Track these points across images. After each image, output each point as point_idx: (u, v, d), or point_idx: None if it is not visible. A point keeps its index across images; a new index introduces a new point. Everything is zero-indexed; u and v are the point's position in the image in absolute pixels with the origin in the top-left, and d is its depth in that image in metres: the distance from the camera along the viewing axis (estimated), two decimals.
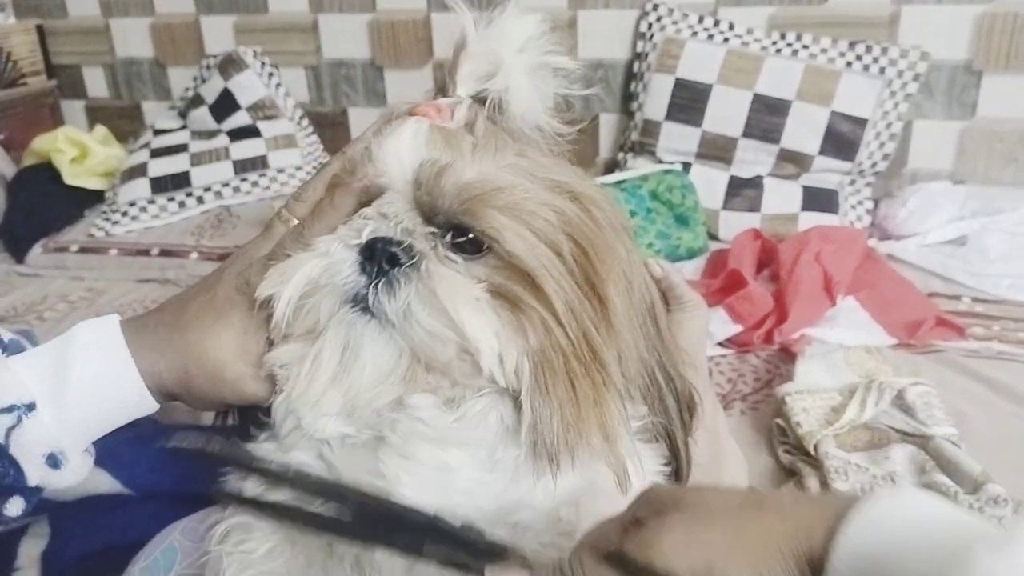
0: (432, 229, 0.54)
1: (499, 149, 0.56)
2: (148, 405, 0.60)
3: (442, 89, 0.65)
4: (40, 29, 2.41)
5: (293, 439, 0.57)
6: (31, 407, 0.58)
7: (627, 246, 0.57)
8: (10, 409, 0.58)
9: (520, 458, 0.54)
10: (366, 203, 0.57)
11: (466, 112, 0.59)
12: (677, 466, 0.63)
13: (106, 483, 0.78)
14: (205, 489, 0.66)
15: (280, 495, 0.49)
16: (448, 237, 0.54)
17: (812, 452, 0.95)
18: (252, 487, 0.53)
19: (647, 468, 0.59)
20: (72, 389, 0.58)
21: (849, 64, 1.72)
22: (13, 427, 0.58)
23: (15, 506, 0.59)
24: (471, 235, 0.53)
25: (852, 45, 1.73)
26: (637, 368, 0.57)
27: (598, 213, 0.56)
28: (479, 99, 0.62)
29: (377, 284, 0.52)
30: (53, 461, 0.58)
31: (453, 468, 0.53)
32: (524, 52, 0.61)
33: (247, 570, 0.54)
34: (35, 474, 0.58)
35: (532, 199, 0.53)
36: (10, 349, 0.62)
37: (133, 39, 2.35)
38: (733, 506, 0.41)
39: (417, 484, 0.52)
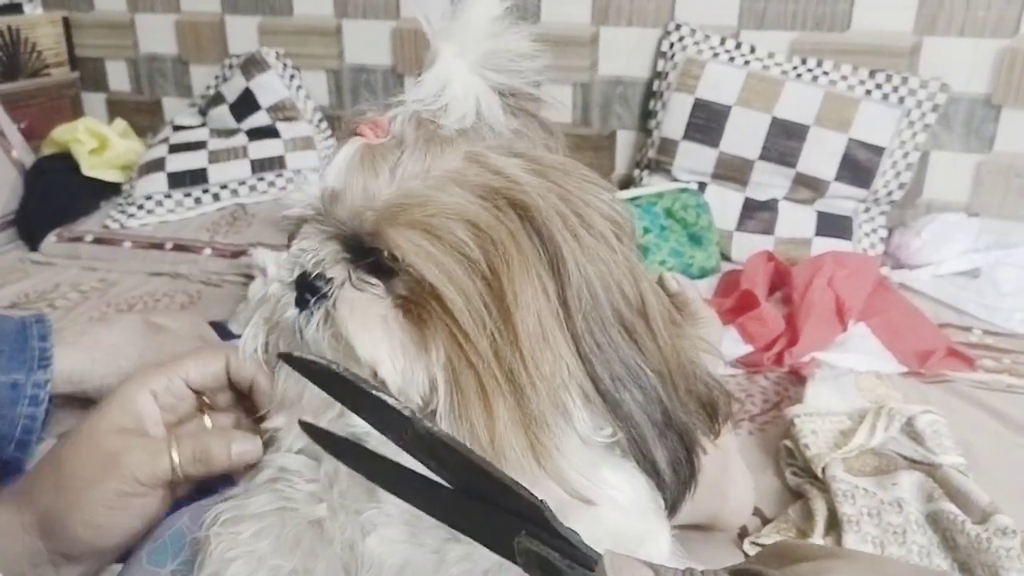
0: (346, 255, 0.54)
1: (431, 157, 0.54)
2: None
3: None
4: (66, 21, 2.44)
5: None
6: None
7: (584, 246, 0.53)
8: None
9: None
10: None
11: (401, 123, 0.57)
12: (659, 481, 0.58)
13: None
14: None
15: (379, 442, 0.46)
16: (368, 259, 0.54)
17: (820, 475, 0.95)
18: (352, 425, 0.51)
19: (625, 484, 0.55)
20: None
21: (869, 92, 1.73)
22: None
23: None
24: (387, 255, 0.53)
25: (872, 73, 1.74)
26: (583, 382, 0.53)
27: (526, 225, 0.52)
28: (407, 103, 0.59)
29: (302, 314, 0.54)
30: None
31: None
32: (471, 43, 0.57)
33: (234, 550, 0.53)
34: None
35: (443, 212, 0.51)
36: None
37: (157, 35, 2.37)
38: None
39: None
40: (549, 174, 0.55)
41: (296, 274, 0.55)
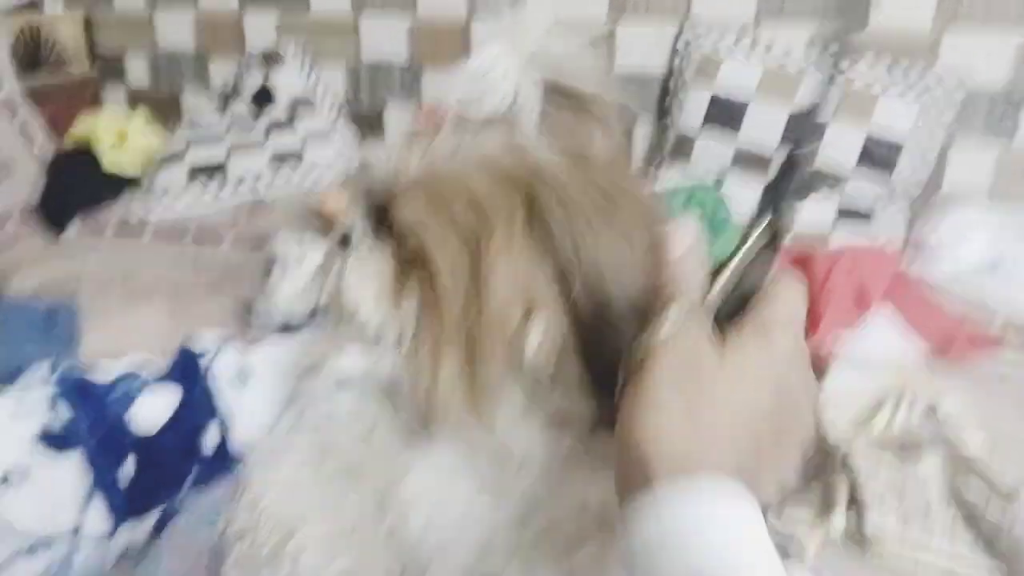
0: (373, 222, 0.59)
1: (466, 142, 0.58)
2: None
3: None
4: (86, 19, 2.46)
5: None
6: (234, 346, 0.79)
7: (598, 235, 0.53)
8: (217, 346, 0.79)
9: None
10: None
11: (453, 115, 0.61)
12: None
13: None
14: None
15: None
16: (385, 225, 0.59)
17: (841, 462, 0.95)
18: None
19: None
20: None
21: (888, 86, 1.73)
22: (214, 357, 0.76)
23: (212, 437, 0.74)
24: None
25: (892, 67, 1.74)
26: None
27: (524, 205, 0.54)
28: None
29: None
30: (242, 377, 0.77)
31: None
32: (525, 42, 0.61)
33: (269, 491, 0.58)
34: (225, 393, 0.75)
35: (450, 188, 0.55)
36: None
37: (176, 31, 2.39)
38: None
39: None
40: (582, 164, 0.55)
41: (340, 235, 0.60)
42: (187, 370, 0.77)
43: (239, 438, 0.75)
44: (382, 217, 0.58)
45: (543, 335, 0.52)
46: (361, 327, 0.58)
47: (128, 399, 0.75)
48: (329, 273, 0.61)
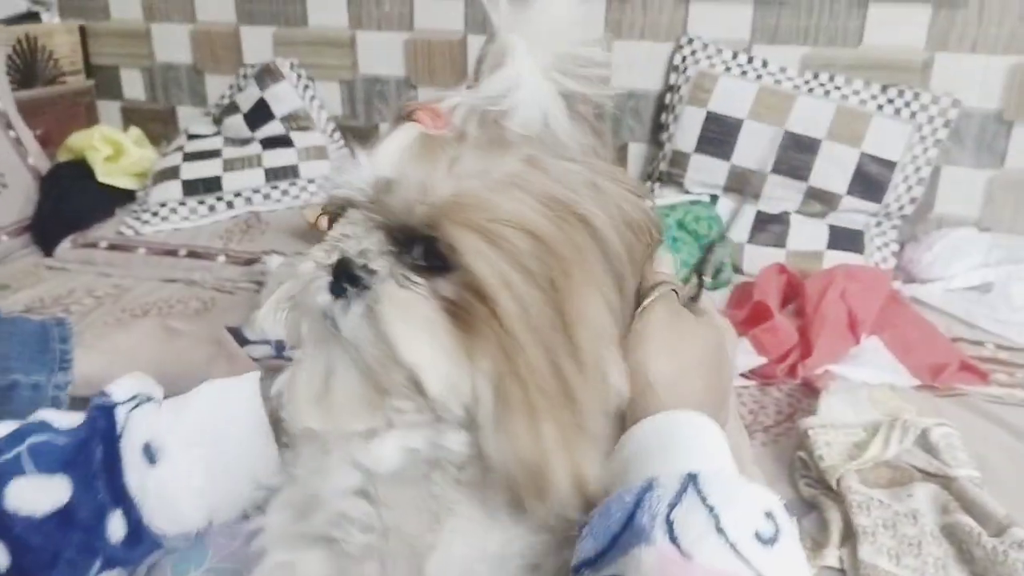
0: (392, 247, 0.52)
1: (492, 157, 0.52)
2: (265, 437, 0.62)
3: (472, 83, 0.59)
4: (83, 30, 2.46)
5: (329, 462, 0.55)
6: (150, 398, 0.64)
7: (628, 268, 0.53)
8: (133, 398, 0.64)
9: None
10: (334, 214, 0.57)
11: (464, 115, 0.55)
12: None
13: None
14: None
15: None
16: (414, 254, 0.52)
17: (834, 486, 0.95)
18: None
19: None
20: (193, 399, 0.63)
21: (881, 107, 1.74)
22: (131, 410, 0.62)
23: (116, 525, 0.59)
24: (441, 251, 0.51)
25: (884, 88, 1.75)
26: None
27: (588, 238, 0.51)
28: (475, 98, 0.56)
29: (336, 304, 0.52)
30: (149, 453, 0.60)
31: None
32: (545, 43, 0.54)
33: None
34: (133, 473, 0.59)
35: (505, 218, 0.49)
36: None
37: (173, 44, 2.39)
38: None
39: (476, 513, 0.52)
40: (599, 182, 0.54)
41: (335, 258, 0.52)
42: (91, 440, 0.61)
43: (154, 525, 0.60)
44: (408, 244, 0.52)
45: (620, 370, 0.52)
46: (418, 393, 0.50)
47: (7, 473, 0.59)
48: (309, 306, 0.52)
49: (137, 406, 0.62)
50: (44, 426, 0.62)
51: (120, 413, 0.61)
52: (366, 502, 0.53)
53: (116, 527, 0.58)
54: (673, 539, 0.42)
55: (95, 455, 0.59)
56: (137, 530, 0.59)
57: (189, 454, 0.60)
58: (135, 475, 0.59)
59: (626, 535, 0.44)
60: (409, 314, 0.50)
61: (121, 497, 0.59)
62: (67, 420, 0.63)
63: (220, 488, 0.61)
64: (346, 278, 0.52)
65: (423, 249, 0.51)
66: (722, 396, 0.57)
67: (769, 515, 0.44)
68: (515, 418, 0.49)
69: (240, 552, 0.65)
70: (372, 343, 0.50)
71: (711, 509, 0.43)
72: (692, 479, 0.44)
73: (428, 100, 0.57)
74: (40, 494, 0.58)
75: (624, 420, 0.52)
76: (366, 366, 0.51)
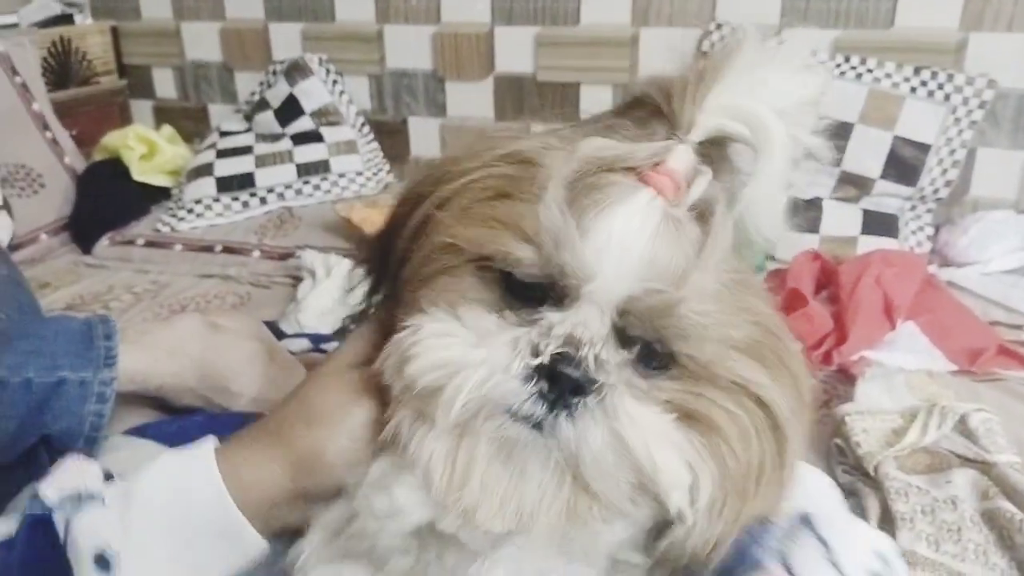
0: (625, 354, 0.47)
1: (721, 252, 0.46)
2: (233, 520, 0.54)
3: (670, 124, 0.50)
4: (114, 30, 2.49)
5: (412, 515, 0.51)
6: (92, 496, 0.55)
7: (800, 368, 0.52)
8: (75, 496, 0.55)
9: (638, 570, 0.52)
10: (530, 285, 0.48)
11: (704, 188, 0.47)
12: None
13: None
14: None
15: None
16: (636, 351, 0.48)
17: (872, 473, 0.95)
18: None
19: None
20: (140, 485, 0.55)
21: (914, 89, 1.71)
22: (72, 517, 0.54)
23: None
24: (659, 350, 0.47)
25: (917, 71, 1.72)
26: None
27: (779, 340, 0.50)
28: (722, 174, 0.49)
29: (557, 415, 0.46)
30: (103, 564, 0.52)
31: (566, 534, 0.49)
32: (789, 122, 0.48)
33: None
34: None
35: (734, 324, 0.47)
36: None
37: (203, 43, 2.41)
38: None
39: (523, 547, 0.50)
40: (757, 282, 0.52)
41: (549, 359, 0.45)
42: (35, 552, 0.53)
43: None
44: (628, 340, 0.47)
45: None
46: (643, 500, 0.48)
47: None
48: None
49: (78, 507, 0.54)
50: None
51: (59, 521, 0.53)
52: (412, 535, 0.52)
53: None
54: (787, 566, 0.43)
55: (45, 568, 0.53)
56: None
57: (148, 557, 0.53)
58: None
59: (739, 568, 0.45)
60: (653, 431, 0.46)
61: None
62: (3, 526, 0.56)
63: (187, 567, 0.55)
64: (570, 388, 0.45)
65: (645, 347, 0.47)
66: None
67: (882, 557, 0.45)
68: (733, 503, 0.48)
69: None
70: (606, 459, 0.46)
71: (825, 543, 0.44)
72: (806, 519, 0.45)
73: (649, 153, 0.47)
74: None
75: None
76: (580, 478, 0.47)
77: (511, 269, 0.47)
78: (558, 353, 0.45)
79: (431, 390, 0.47)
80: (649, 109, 0.52)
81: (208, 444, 0.57)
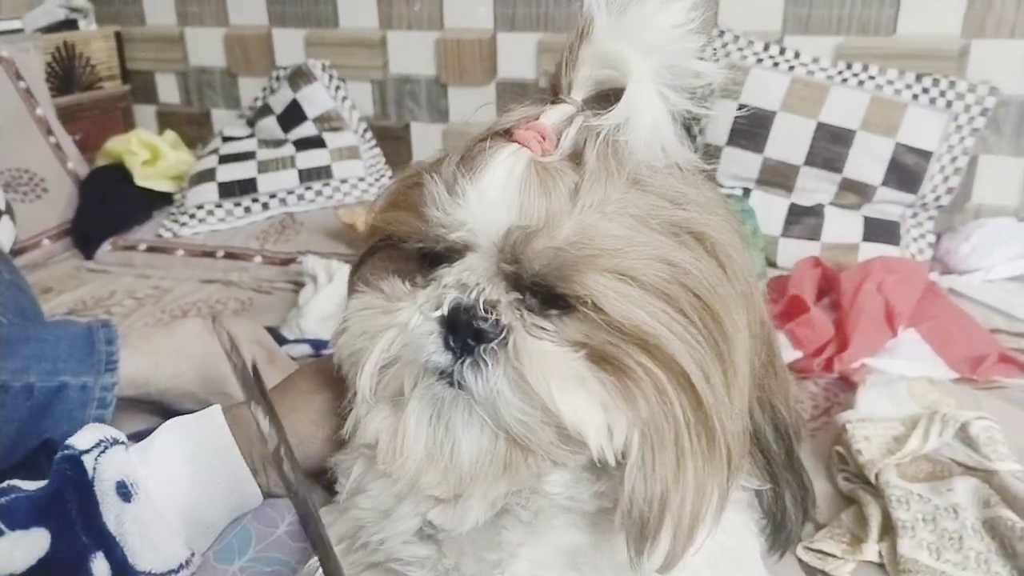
0: (517, 295, 0.49)
1: (608, 184, 0.48)
2: (236, 465, 0.64)
3: (555, 90, 0.55)
4: (118, 36, 2.50)
5: (398, 510, 0.54)
6: (116, 441, 0.64)
7: (751, 283, 0.51)
8: (99, 444, 0.63)
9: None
10: (434, 252, 0.52)
11: (575, 136, 0.50)
12: (779, 519, 0.59)
13: None
14: None
15: None
16: (536, 299, 0.49)
17: (873, 481, 0.95)
18: None
19: (736, 531, 0.56)
20: (158, 436, 0.64)
21: (916, 96, 1.71)
22: (98, 456, 0.61)
23: (100, 569, 0.58)
24: (561, 294, 0.48)
25: (919, 77, 1.73)
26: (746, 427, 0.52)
27: (721, 256, 0.49)
28: (590, 115, 0.51)
29: (463, 362, 0.48)
30: (124, 491, 0.59)
31: (578, 528, 0.51)
32: (657, 53, 0.50)
33: None
34: (110, 510, 0.59)
35: (637, 254, 0.46)
36: None
37: (206, 48, 2.42)
38: None
39: (537, 544, 0.50)
40: (698, 195, 0.51)
41: (448, 308, 0.48)
42: (63, 490, 0.60)
43: (138, 564, 0.59)
44: (527, 286, 0.48)
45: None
46: (569, 449, 0.48)
47: None
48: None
49: (104, 451, 0.62)
50: (12, 488, 0.63)
51: (87, 461, 0.61)
52: (429, 545, 0.53)
53: (100, 570, 0.58)
54: None
55: (70, 503, 0.60)
56: (122, 571, 0.59)
57: (163, 490, 0.61)
58: (112, 515, 0.59)
59: None
60: (557, 369, 0.47)
61: (101, 539, 0.58)
62: (33, 484, 0.64)
63: (198, 521, 0.63)
64: (472, 334, 0.47)
65: (544, 292, 0.48)
66: None
67: None
68: (664, 459, 0.47)
69: (283, 541, 0.66)
70: (515, 403, 0.47)
71: None
72: None
73: (522, 115, 0.52)
74: (16, 551, 0.57)
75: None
76: (504, 427, 0.48)
77: (412, 243, 0.52)
78: (456, 306, 0.48)
79: (356, 360, 0.51)
80: (551, 89, 0.55)
81: (216, 410, 0.66)
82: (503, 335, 0.48)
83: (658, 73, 0.50)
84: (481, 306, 0.48)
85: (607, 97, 0.51)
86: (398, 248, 0.54)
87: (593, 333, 0.48)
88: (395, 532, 0.53)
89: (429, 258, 0.52)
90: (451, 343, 0.48)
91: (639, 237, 0.47)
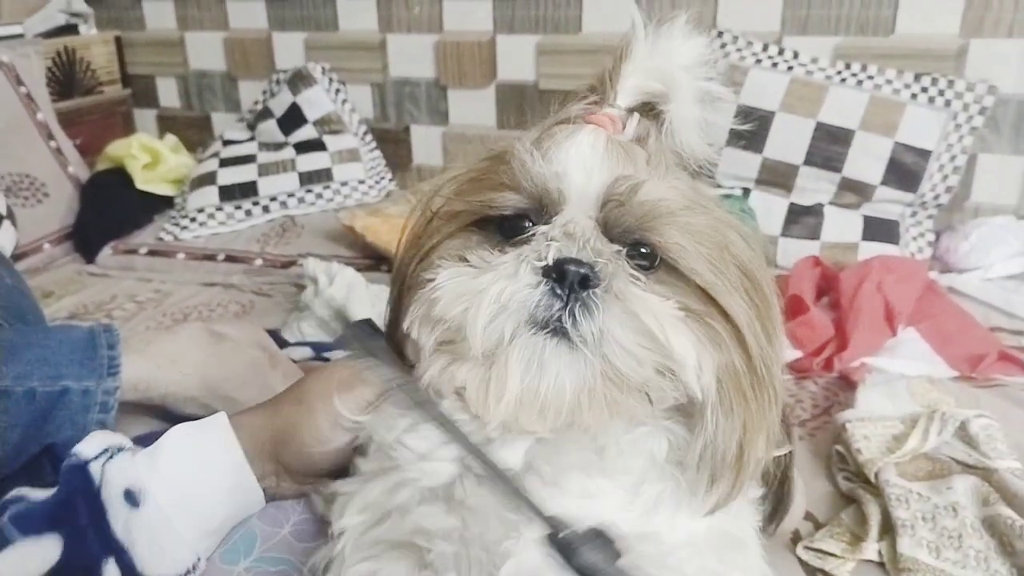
0: (616, 247, 0.54)
1: (668, 168, 0.57)
2: (242, 471, 0.65)
3: (600, 97, 0.62)
4: (118, 40, 2.51)
5: (416, 469, 0.57)
6: (122, 448, 0.65)
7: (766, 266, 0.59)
8: (105, 451, 0.64)
9: (663, 493, 0.55)
10: (521, 210, 0.56)
11: (636, 127, 0.58)
12: (780, 497, 0.64)
13: None
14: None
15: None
16: (629, 253, 0.54)
17: (872, 480, 0.95)
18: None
19: (736, 513, 0.59)
20: (165, 442, 0.64)
21: (914, 96, 1.72)
22: (104, 464, 0.63)
23: (112, 573, 0.60)
24: (645, 251, 0.54)
25: (918, 77, 1.73)
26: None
27: (751, 242, 0.57)
28: (648, 113, 0.60)
29: (572, 308, 0.51)
30: (131, 498, 0.61)
31: (595, 496, 0.54)
32: (690, 74, 0.59)
33: None
34: (118, 517, 0.60)
35: (703, 221, 0.54)
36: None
37: (206, 52, 2.43)
38: None
39: (559, 508, 0.53)
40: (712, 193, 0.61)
41: (553, 259, 0.52)
42: (72, 497, 0.62)
43: (146, 570, 0.60)
44: (621, 242, 0.54)
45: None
46: (670, 383, 0.53)
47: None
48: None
49: (110, 458, 0.63)
50: (21, 497, 0.64)
51: (94, 469, 0.62)
52: (448, 514, 0.55)
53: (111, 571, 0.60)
54: None
55: (80, 510, 0.61)
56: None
57: (169, 496, 0.62)
58: (120, 521, 0.60)
59: None
60: (661, 311, 0.52)
61: (112, 545, 0.60)
62: (42, 492, 0.64)
63: (204, 526, 0.64)
64: (578, 280, 0.51)
65: (633, 247, 0.54)
66: None
67: None
68: (738, 402, 0.54)
69: (288, 541, 0.67)
70: (625, 340, 0.51)
71: None
72: None
73: (586, 109, 0.60)
74: (28, 559, 0.59)
75: None
76: (609, 364, 0.52)
77: (502, 212, 0.56)
78: (561, 256, 0.52)
79: (458, 323, 0.53)
80: (594, 96, 0.63)
81: (222, 417, 0.67)
82: (607, 282, 0.52)
83: (692, 88, 0.59)
84: (590, 253, 0.52)
85: (647, 108, 0.61)
86: (476, 227, 0.58)
87: (671, 288, 0.54)
88: (431, 472, 0.56)
89: (510, 227, 0.56)
90: (558, 291, 0.51)
91: (696, 208, 0.55)
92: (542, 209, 0.55)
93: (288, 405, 0.68)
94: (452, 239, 0.58)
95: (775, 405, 0.55)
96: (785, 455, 0.61)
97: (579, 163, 0.54)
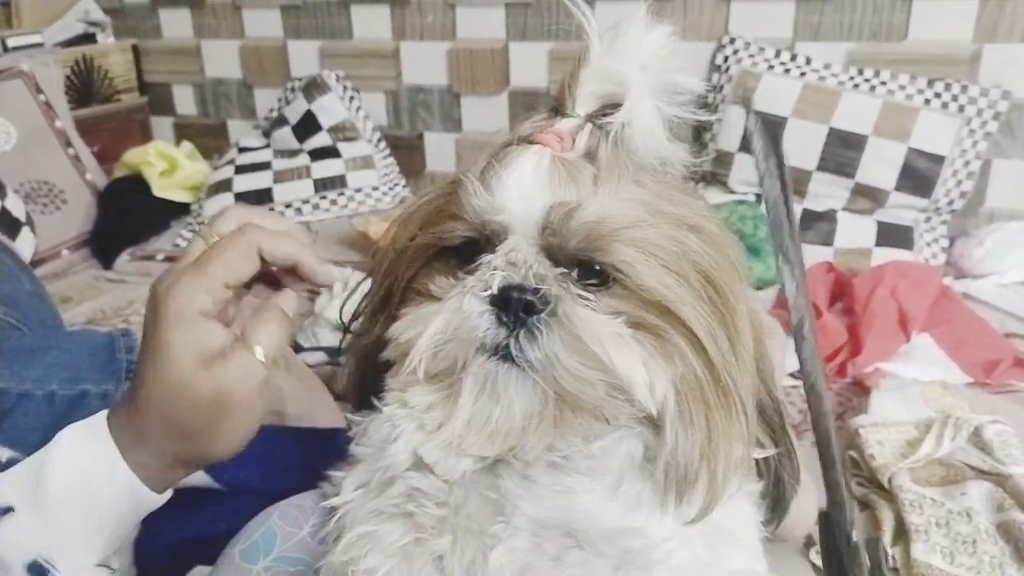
0: (561, 270, 0.53)
1: (620, 179, 0.54)
2: (145, 496, 0.60)
3: (558, 108, 0.60)
4: (135, 49, 2.54)
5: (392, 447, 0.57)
6: (7, 510, 0.57)
7: (742, 274, 0.57)
8: None
9: (643, 492, 0.54)
10: (474, 243, 0.56)
11: (587, 139, 0.56)
12: (777, 497, 0.63)
13: (196, 477, 0.82)
14: (289, 485, 0.70)
15: None
16: (574, 274, 0.54)
17: (886, 485, 0.95)
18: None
19: (730, 509, 0.57)
20: (50, 488, 0.57)
21: (928, 101, 1.72)
22: None
23: None
24: (597, 269, 0.53)
25: (931, 82, 1.73)
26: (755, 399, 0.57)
27: (718, 244, 0.55)
28: (599, 122, 0.58)
29: (518, 334, 0.52)
30: (38, 570, 0.56)
31: (574, 492, 0.54)
32: (649, 70, 0.56)
33: None
34: None
35: (655, 233, 0.53)
36: (5, 467, 0.61)
37: (222, 60, 2.45)
38: None
39: (535, 501, 0.53)
40: (683, 196, 0.57)
41: (498, 287, 0.52)
42: None
43: None
44: (567, 265, 0.54)
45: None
46: (623, 402, 0.52)
47: None
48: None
49: None
50: None
51: None
52: (437, 478, 0.56)
53: None
54: None
55: None
56: None
57: (75, 548, 0.58)
58: None
59: None
60: (605, 331, 0.52)
61: None
62: None
63: (107, 541, 0.60)
64: (522, 307, 0.52)
65: (581, 266, 0.54)
66: None
67: None
68: (697, 413, 0.53)
69: (306, 542, 0.67)
70: (571, 364, 0.52)
71: None
72: None
73: (535, 125, 0.58)
74: None
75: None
76: (558, 387, 0.52)
77: (452, 242, 0.56)
78: (506, 284, 0.52)
79: (408, 347, 0.54)
80: (553, 108, 0.61)
81: (103, 430, 0.60)
82: (552, 305, 0.52)
83: (651, 86, 0.55)
84: (532, 279, 0.52)
85: (606, 113, 0.57)
86: (436, 257, 0.59)
87: (624, 304, 0.53)
88: (393, 463, 0.56)
89: (467, 254, 0.57)
90: (503, 318, 0.52)
91: (652, 220, 0.53)
92: (489, 237, 0.55)
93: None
94: (425, 267, 0.59)
95: (744, 412, 0.54)
96: (773, 457, 0.60)
97: (518, 192, 0.54)
